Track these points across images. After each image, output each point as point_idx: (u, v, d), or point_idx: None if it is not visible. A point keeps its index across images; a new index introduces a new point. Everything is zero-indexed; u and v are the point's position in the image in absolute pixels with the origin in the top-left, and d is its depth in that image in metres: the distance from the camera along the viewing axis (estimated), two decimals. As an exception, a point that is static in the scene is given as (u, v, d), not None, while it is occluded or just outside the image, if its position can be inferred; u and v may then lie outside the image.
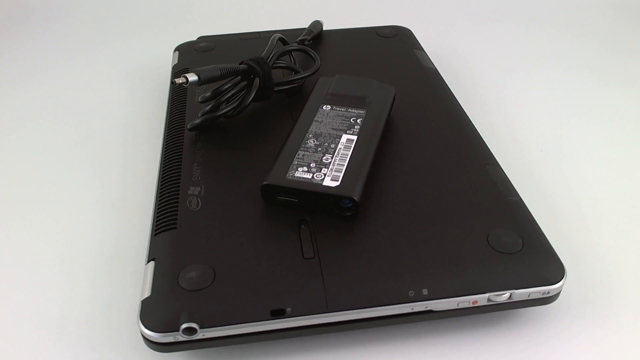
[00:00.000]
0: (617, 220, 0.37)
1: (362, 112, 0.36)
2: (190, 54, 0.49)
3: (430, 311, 0.28)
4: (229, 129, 0.38)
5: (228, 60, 0.40)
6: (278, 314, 0.27)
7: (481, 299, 0.27)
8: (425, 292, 0.27)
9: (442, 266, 0.28)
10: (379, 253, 0.29)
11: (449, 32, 0.61)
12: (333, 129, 0.35)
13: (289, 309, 0.27)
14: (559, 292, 0.29)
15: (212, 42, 0.50)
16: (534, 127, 0.45)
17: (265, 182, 0.31)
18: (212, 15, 0.65)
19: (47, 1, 0.68)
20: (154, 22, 0.64)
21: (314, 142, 0.34)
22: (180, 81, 0.34)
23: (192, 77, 0.35)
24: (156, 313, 0.27)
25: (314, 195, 0.30)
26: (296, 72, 0.43)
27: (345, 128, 0.35)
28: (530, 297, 0.28)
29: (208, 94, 0.37)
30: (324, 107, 0.37)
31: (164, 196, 0.33)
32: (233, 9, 0.66)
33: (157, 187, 0.35)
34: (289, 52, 0.42)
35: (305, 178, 0.31)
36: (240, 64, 0.39)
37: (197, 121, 0.37)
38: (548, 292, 0.28)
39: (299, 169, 0.32)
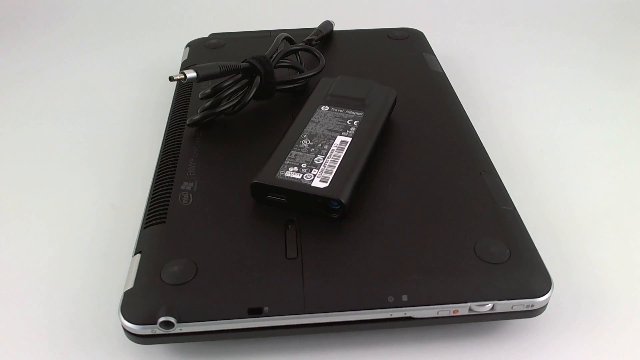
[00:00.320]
0: (617, 225, 0.36)
1: (359, 114, 0.36)
2: (201, 51, 0.49)
3: (410, 318, 0.27)
4: (229, 126, 0.39)
5: (236, 58, 0.40)
6: (255, 312, 0.27)
7: (462, 308, 0.27)
8: (404, 298, 0.27)
9: (425, 273, 0.28)
10: (362, 257, 0.28)
11: (458, 34, 0.61)
12: (328, 130, 0.35)
13: (266, 308, 0.27)
14: (545, 305, 0.28)
15: (222, 40, 0.50)
16: (534, 127, 0.45)
17: (254, 181, 0.31)
18: (226, 13, 0.66)
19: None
20: (169, 19, 0.65)
21: (307, 142, 0.34)
22: (178, 77, 0.35)
23: (190, 73, 0.35)
24: (136, 305, 0.27)
25: (302, 195, 0.30)
26: (300, 71, 0.42)
27: (341, 129, 0.35)
28: (514, 309, 0.27)
29: (208, 90, 0.37)
30: (322, 108, 0.37)
31: (158, 190, 0.34)
32: (247, 8, 0.67)
33: (153, 180, 0.35)
34: (295, 51, 0.42)
35: (294, 178, 0.31)
36: (243, 62, 0.39)
37: (197, 117, 0.37)
38: (532, 305, 0.27)
39: (289, 169, 0.32)
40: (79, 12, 0.66)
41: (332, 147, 0.33)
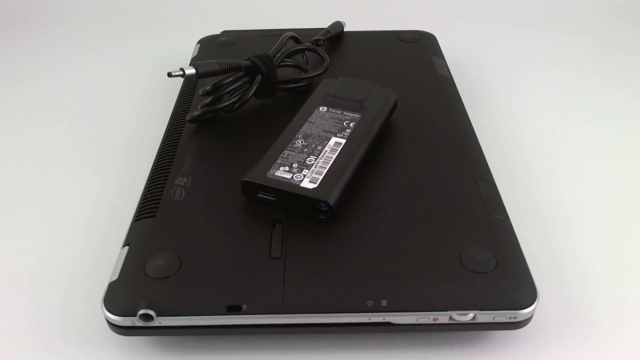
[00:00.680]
0: (616, 226, 0.36)
1: (357, 116, 0.36)
2: (211, 48, 0.50)
3: (389, 324, 0.27)
4: (230, 124, 0.39)
5: (245, 56, 0.40)
6: (234, 309, 0.27)
7: (442, 316, 0.27)
8: (384, 303, 0.27)
9: (406, 279, 0.27)
10: (346, 260, 0.28)
11: (460, 34, 0.60)
12: (324, 130, 0.35)
13: (245, 306, 0.27)
14: (530, 317, 0.27)
15: (233, 37, 0.51)
16: (534, 127, 0.45)
17: (244, 179, 0.31)
18: (241, 11, 0.66)
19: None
20: (183, 16, 0.66)
21: (301, 142, 0.34)
22: (177, 73, 0.35)
23: (189, 70, 0.35)
24: (119, 297, 0.27)
25: (290, 195, 0.30)
26: (305, 71, 0.42)
27: (336, 131, 0.34)
28: (496, 320, 0.27)
29: (208, 87, 0.38)
30: (320, 109, 0.37)
31: (152, 184, 0.34)
32: (262, 6, 0.67)
33: (149, 174, 0.35)
34: (299, 51, 0.42)
35: (284, 178, 0.31)
36: (245, 60, 0.39)
37: (197, 113, 0.38)
38: (515, 317, 0.27)
39: (280, 168, 0.32)
40: (97, 8, 0.67)
41: (326, 148, 0.33)
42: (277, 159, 0.32)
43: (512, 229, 0.31)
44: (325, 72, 0.43)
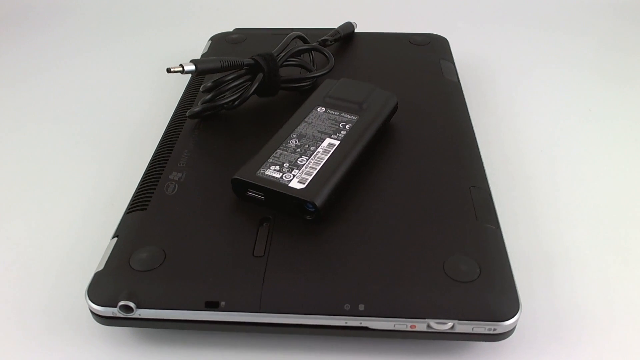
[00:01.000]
0: (615, 227, 0.36)
1: (354, 117, 0.36)
2: (221, 45, 0.50)
3: (366, 328, 0.27)
4: (230, 121, 0.39)
5: (253, 54, 0.40)
6: (212, 306, 0.27)
7: (420, 324, 0.26)
8: (361, 307, 0.26)
9: (386, 284, 0.27)
10: (327, 262, 0.28)
11: (467, 36, 0.60)
12: (319, 131, 0.34)
13: (223, 303, 0.27)
14: (512, 330, 0.27)
15: (244, 35, 0.51)
16: (534, 127, 0.45)
17: (234, 176, 0.32)
18: (256, 9, 0.66)
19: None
20: (199, 12, 0.66)
21: (295, 142, 0.34)
22: (176, 69, 0.35)
23: (188, 66, 0.36)
24: (102, 287, 0.28)
25: (278, 194, 0.30)
26: (310, 71, 0.42)
27: (331, 132, 0.34)
28: (475, 331, 0.26)
29: (209, 83, 0.38)
30: (319, 109, 0.36)
31: (148, 178, 0.35)
32: (279, 5, 0.67)
33: (146, 168, 0.36)
34: (305, 51, 0.42)
35: (273, 177, 0.31)
36: (249, 58, 0.39)
37: (197, 109, 0.38)
38: (494, 329, 0.26)
39: (271, 167, 0.32)
40: (115, 4, 0.69)
41: (318, 149, 0.33)
42: (269, 158, 0.33)
43: (502, 239, 0.30)
44: (330, 72, 0.43)
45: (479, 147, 0.37)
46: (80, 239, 0.36)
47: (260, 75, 0.39)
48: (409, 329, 0.27)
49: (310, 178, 0.31)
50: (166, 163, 0.35)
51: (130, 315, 0.27)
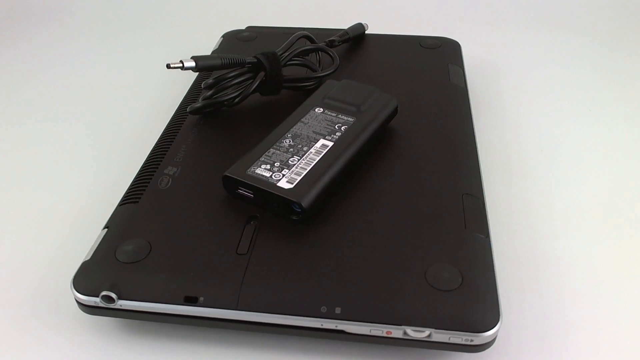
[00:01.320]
0: (614, 227, 0.36)
1: (350, 119, 0.35)
2: (232, 42, 0.51)
3: (343, 332, 0.27)
4: (231, 119, 0.39)
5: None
6: (190, 301, 0.27)
7: (396, 330, 0.26)
8: (338, 310, 0.26)
9: (365, 289, 0.27)
10: (309, 263, 0.28)
11: (467, 35, 0.60)
12: (314, 132, 0.34)
13: (201, 299, 0.27)
14: (490, 342, 0.26)
15: (255, 33, 0.51)
16: (534, 127, 0.45)
17: (225, 174, 0.32)
18: (274, 8, 0.67)
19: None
20: (215, 10, 0.67)
21: (289, 142, 0.34)
22: (176, 65, 0.36)
23: (188, 63, 0.36)
24: (87, 276, 0.28)
25: (266, 193, 0.31)
26: (314, 71, 0.42)
27: (326, 133, 0.34)
28: (451, 341, 0.26)
29: (211, 80, 0.38)
30: (316, 110, 0.36)
31: (144, 171, 0.35)
32: (297, 5, 0.67)
33: (144, 161, 0.36)
34: (310, 50, 0.42)
35: (263, 176, 0.31)
36: (252, 56, 0.39)
37: (198, 105, 0.39)
38: (472, 340, 0.26)
39: (261, 166, 0.32)
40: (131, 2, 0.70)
41: (311, 150, 0.33)
42: (261, 156, 0.33)
43: (490, 248, 0.29)
44: (335, 73, 0.43)
45: (478, 153, 0.37)
46: (77, 230, 0.36)
47: (261, 74, 0.39)
48: (384, 334, 0.26)
49: (299, 178, 0.31)
50: (163, 157, 0.36)
51: (111, 306, 0.28)
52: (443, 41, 0.49)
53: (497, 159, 0.42)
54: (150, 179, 0.34)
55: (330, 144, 0.33)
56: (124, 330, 0.30)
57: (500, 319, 0.26)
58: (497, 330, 0.26)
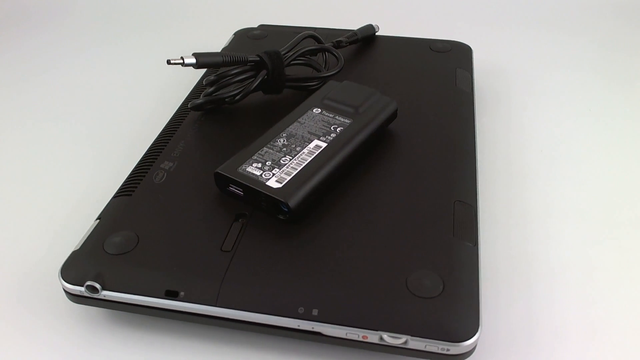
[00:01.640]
0: (612, 227, 0.36)
1: (347, 121, 0.35)
2: (243, 40, 0.51)
3: (320, 334, 0.27)
4: (232, 116, 0.40)
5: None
6: (171, 295, 0.27)
7: (372, 335, 0.26)
8: (315, 312, 0.26)
9: (344, 292, 0.27)
10: (291, 263, 0.28)
11: (467, 35, 0.60)
12: (309, 132, 0.34)
13: (182, 293, 0.27)
14: (468, 352, 0.26)
15: (265, 31, 0.52)
16: (534, 127, 0.45)
17: (216, 170, 0.32)
18: (290, 7, 0.67)
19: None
20: (231, 7, 0.67)
21: (283, 141, 0.34)
22: (176, 62, 0.36)
23: (189, 59, 0.36)
24: (74, 266, 0.29)
25: (255, 192, 0.31)
26: (319, 71, 0.42)
27: (321, 134, 0.34)
28: (427, 349, 0.26)
29: (213, 77, 0.39)
30: (314, 110, 0.36)
31: (141, 165, 0.36)
32: (312, 4, 0.67)
33: (143, 155, 0.37)
34: (314, 50, 0.42)
35: (253, 174, 0.31)
36: (255, 54, 0.39)
37: (199, 101, 0.39)
38: (448, 350, 0.25)
39: (253, 164, 0.32)
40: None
41: (304, 150, 0.33)
42: (253, 155, 0.33)
43: (477, 257, 0.29)
44: (339, 74, 0.43)
45: (477, 159, 0.36)
46: (75, 222, 0.37)
47: (263, 72, 0.39)
48: (360, 339, 0.26)
49: (288, 178, 0.31)
50: (161, 152, 0.36)
51: (95, 296, 0.28)
52: (454, 45, 0.49)
53: (496, 158, 0.42)
54: (147, 172, 0.35)
55: (324, 145, 0.33)
56: (110, 320, 0.30)
57: (479, 330, 0.26)
58: (476, 341, 0.26)
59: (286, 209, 0.30)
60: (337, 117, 0.36)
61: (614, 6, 0.64)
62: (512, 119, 0.46)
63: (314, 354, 0.28)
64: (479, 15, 0.64)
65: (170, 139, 0.37)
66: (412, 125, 0.38)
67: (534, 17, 0.63)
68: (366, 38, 0.49)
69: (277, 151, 0.33)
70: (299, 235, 0.30)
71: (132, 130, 0.45)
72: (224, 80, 0.38)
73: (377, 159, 0.35)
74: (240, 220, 0.31)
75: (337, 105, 0.37)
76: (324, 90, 0.38)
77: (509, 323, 0.30)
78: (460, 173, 0.34)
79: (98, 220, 0.31)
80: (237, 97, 0.39)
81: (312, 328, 0.26)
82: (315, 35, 0.43)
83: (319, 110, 0.36)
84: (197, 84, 0.45)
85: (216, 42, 0.59)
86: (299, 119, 0.36)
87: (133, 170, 0.35)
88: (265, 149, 0.33)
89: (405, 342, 0.26)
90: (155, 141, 0.38)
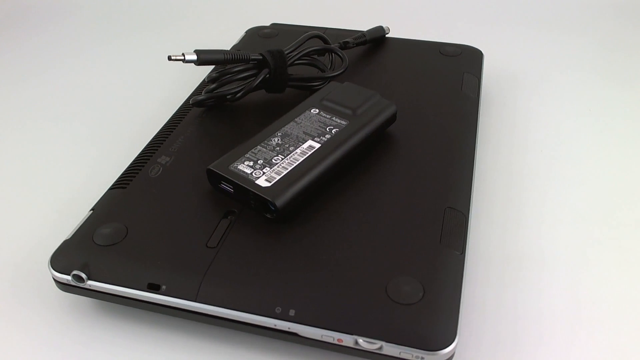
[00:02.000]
0: (611, 227, 0.36)
1: (343, 123, 0.35)
2: (254, 38, 0.51)
3: (296, 334, 0.27)
4: (233, 113, 0.40)
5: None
6: (153, 288, 0.28)
7: (347, 339, 0.26)
8: (292, 313, 0.26)
9: (322, 294, 0.27)
10: (273, 262, 0.28)
11: (467, 34, 0.59)
12: (304, 132, 0.34)
13: (164, 287, 0.28)
14: (445, 361, 0.26)
15: (277, 30, 0.52)
16: (534, 127, 0.45)
17: (208, 167, 0.32)
18: (305, 6, 0.67)
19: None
20: (246, 5, 0.68)
21: (277, 140, 0.34)
22: (177, 58, 0.36)
23: (190, 56, 0.37)
24: (64, 255, 0.30)
25: (244, 190, 0.31)
26: (323, 71, 0.42)
27: (315, 135, 0.34)
28: (402, 356, 0.25)
29: (215, 73, 0.39)
30: (312, 110, 0.36)
31: (139, 158, 0.36)
32: (328, 4, 0.67)
33: (142, 149, 0.37)
34: (318, 51, 0.42)
35: (244, 172, 0.32)
36: (258, 53, 0.40)
37: (200, 97, 0.39)
38: (422, 358, 0.25)
39: (245, 162, 0.32)
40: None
41: (297, 150, 0.33)
42: (246, 153, 0.33)
43: (462, 266, 0.29)
44: (343, 75, 0.42)
45: (474, 166, 0.36)
46: (74, 214, 0.38)
47: (265, 71, 0.39)
48: (335, 341, 0.26)
49: (278, 178, 0.31)
50: (160, 146, 0.37)
51: (81, 285, 0.29)
52: (464, 49, 0.48)
53: (495, 158, 0.41)
54: (143, 166, 0.35)
55: (318, 145, 0.33)
56: (96, 310, 0.31)
57: (456, 339, 0.25)
58: (452, 351, 0.25)
59: (273, 208, 0.30)
60: (334, 118, 0.36)
61: (614, 6, 0.63)
62: (512, 119, 0.46)
63: (295, 354, 0.29)
64: (479, 15, 0.64)
65: (170, 134, 0.38)
66: (412, 130, 0.38)
67: (533, 17, 0.62)
68: (375, 40, 0.49)
69: (270, 150, 0.33)
70: (284, 235, 0.30)
71: (132, 130, 0.45)
72: (226, 77, 0.39)
73: (372, 162, 0.35)
74: (229, 217, 0.31)
75: (336, 106, 0.36)
76: (324, 91, 0.38)
77: (495, 333, 0.29)
78: (455, 179, 0.34)
79: (92, 211, 0.32)
80: (238, 95, 0.39)
81: (289, 328, 0.26)
82: (321, 36, 0.43)
83: (317, 110, 0.36)
84: (201, 82, 0.45)
85: (228, 39, 0.59)
86: (295, 119, 0.36)
87: (132, 163, 0.36)
88: (259, 147, 0.33)
89: (380, 348, 0.26)
90: (156, 135, 0.38)
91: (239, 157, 0.33)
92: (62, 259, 0.29)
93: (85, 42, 0.59)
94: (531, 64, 0.54)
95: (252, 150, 0.33)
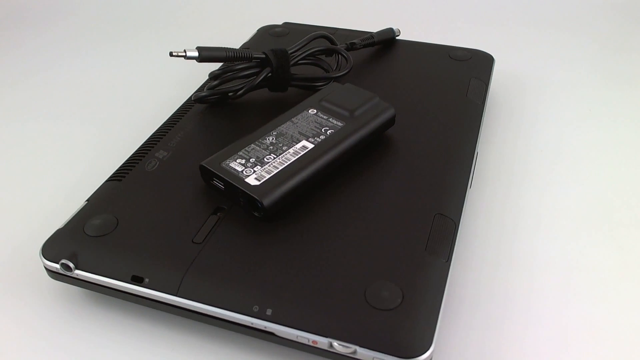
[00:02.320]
0: (611, 227, 0.35)
1: (339, 124, 0.35)
2: (264, 36, 0.51)
3: (272, 334, 0.27)
4: (234, 111, 0.40)
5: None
6: (137, 280, 0.28)
7: (322, 341, 0.26)
8: (269, 312, 0.26)
9: (300, 295, 0.27)
10: (255, 261, 0.28)
11: (467, 34, 0.59)
12: (300, 132, 0.34)
13: (147, 280, 0.28)
14: (419, 370, 0.25)
15: (287, 29, 0.52)
16: (533, 127, 0.45)
17: (200, 163, 0.33)
18: (322, 6, 0.67)
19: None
20: (261, 4, 0.68)
21: (272, 139, 0.34)
22: (179, 54, 0.37)
23: (191, 52, 0.37)
24: (55, 243, 0.30)
25: (233, 187, 0.31)
26: (327, 72, 0.42)
27: (310, 135, 0.34)
28: (375, 362, 0.25)
29: (217, 70, 0.39)
30: (310, 111, 0.36)
31: (138, 152, 0.37)
32: (344, 4, 0.67)
33: (142, 143, 0.38)
34: (322, 51, 0.42)
35: (234, 169, 0.32)
36: (261, 52, 0.40)
37: (202, 94, 0.40)
38: (396, 365, 0.25)
39: (237, 160, 0.32)
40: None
41: (289, 150, 0.33)
42: (239, 150, 0.33)
43: (446, 273, 0.28)
44: (346, 76, 0.42)
45: (472, 173, 0.35)
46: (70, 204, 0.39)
47: (267, 69, 0.39)
48: (310, 343, 0.26)
49: (267, 177, 0.31)
50: (159, 141, 0.37)
51: (69, 274, 0.29)
52: (474, 53, 0.47)
53: (495, 158, 0.41)
54: (141, 160, 0.36)
55: (311, 146, 0.33)
56: (85, 300, 0.32)
57: (431, 347, 0.25)
58: (427, 359, 0.25)
59: (261, 207, 0.30)
60: (330, 119, 0.36)
61: (614, 6, 0.62)
62: (512, 119, 0.45)
63: (274, 353, 0.29)
64: (480, 16, 0.63)
65: (170, 129, 0.38)
66: (411, 134, 0.37)
67: (533, 17, 0.62)
68: (385, 41, 0.48)
69: (263, 149, 0.33)
70: (270, 234, 0.30)
71: (133, 129, 0.46)
72: (228, 74, 0.39)
73: (367, 165, 0.35)
74: (217, 214, 0.31)
75: (333, 107, 0.36)
76: (324, 92, 0.38)
77: (480, 343, 0.29)
78: (448, 185, 0.33)
79: (86, 202, 0.33)
80: (240, 92, 0.39)
81: (265, 328, 0.27)
82: (327, 36, 0.43)
83: (315, 111, 0.36)
84: (206, 80, 0.46)
85: (241, 38, 0.60)
86: (292, 119, 0.36)
87: (130, 157, 0.36)
88: (252, 145, 0.33)
89: (354, 352, 0.25)
90: (157, 130, 0.39)
91: (232, 154, 0.33)
92: (53, 247, 0.30)
93: (85, 42, 0.59)
94: (531, 64, 0.53)
95: (246, 148, 0.33)
